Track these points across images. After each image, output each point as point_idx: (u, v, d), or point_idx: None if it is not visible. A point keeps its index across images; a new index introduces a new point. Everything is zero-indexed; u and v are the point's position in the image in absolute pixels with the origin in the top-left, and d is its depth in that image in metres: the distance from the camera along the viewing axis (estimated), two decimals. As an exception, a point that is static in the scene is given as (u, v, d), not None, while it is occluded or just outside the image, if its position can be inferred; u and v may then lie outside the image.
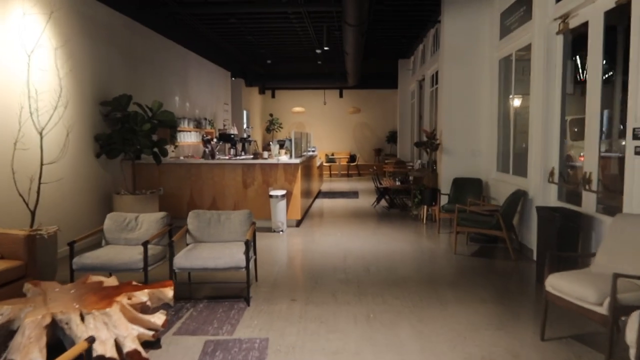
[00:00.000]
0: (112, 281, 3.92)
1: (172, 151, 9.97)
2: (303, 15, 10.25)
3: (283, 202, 7.98)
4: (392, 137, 20.16)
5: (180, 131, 10.51)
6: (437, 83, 11.37)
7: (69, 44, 6.79)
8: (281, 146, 9.59)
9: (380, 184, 11.09)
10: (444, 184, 8.63)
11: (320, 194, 13.13)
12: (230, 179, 8.42)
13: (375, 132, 20.80)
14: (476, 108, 8.49)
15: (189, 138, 10.90)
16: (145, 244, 4.52)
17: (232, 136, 13.70)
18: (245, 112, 18.01)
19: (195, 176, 8.48)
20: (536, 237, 5.59)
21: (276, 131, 20.32)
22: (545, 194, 6.03)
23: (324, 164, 18.87)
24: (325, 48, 10.58)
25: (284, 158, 8.32)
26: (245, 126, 17.22)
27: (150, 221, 5.11)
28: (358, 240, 7.41)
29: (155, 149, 7.75)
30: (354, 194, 13.22)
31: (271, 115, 20.54)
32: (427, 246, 7.02)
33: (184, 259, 4.52)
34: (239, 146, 13.01)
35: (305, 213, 9.69)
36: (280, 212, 7.95)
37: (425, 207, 8.74)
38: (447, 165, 8.62)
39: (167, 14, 9.85)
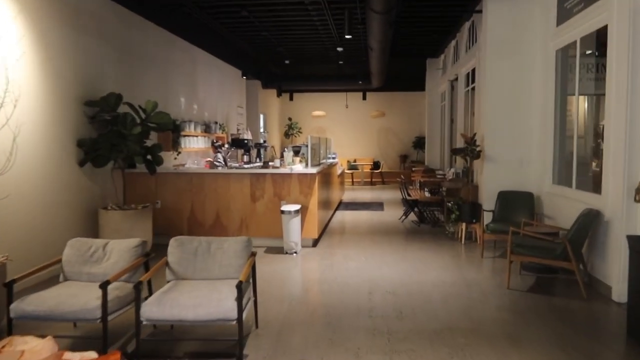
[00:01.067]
0: (43, 347, 2.78)
1: (175, 158, 8.90)
2: (322, 5, 9.09)
3: (297, 219, 6.81)
4: (419, 143, 18.85)
5: (185, 136, 9.43)
6: (473, 82, 10.08)
7: (42, 32, 5.75)
8: (296, 153, 8.43)
9: (409, 195, 9.83)
10: (486, 197, 7.34)
11: (342, 205, 11.92)
12: (237, 191, 7.28)
13: (400, 138, 19.52)
14: (525, 108, 7.19)
15: (195, 144, 9.83)
16: (104, 285, 3.38)
17: (246, 141, 12.62)
18: (261, 116, 16.95)
19: (197, 187, 7.37)
20: (626, 273, 4.29)
21: (295, 136, 19.20)
22: (629, 217, 4.71)
23: (346, 171, 17.68)
24: (348, 36, 9.37)
25: (299, 167, 7.15)
26: (261, 130, 16.14)
27: (121, 250, 3.98)
28: (386, 267, 6.17)
29: (149, 156, 6.66)
30: (378, 206, 11.97)
31: (290, 119, 19.44)
32: (471, 277, 5.74)
33: (155, 306, 3.36)
34: (254, 152, 11.94)
35: (324, 230, 8.49)
36: (293, 231, 6.78)
37: (464, 224, 7.45)
38: (490, 176, 7.33)
39: (170, 5, 8.81)
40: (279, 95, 19.14)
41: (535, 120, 7.13)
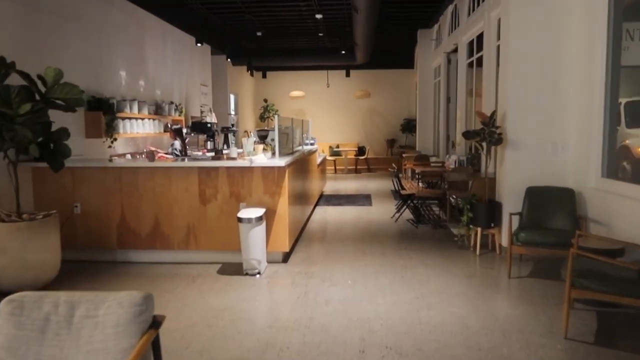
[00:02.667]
0: None
1: (110, 147, 7.03)
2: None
3: (260, 228, 5.04)
4: (408, 126, 17.15)
5: (126, 118, 7.55)
6: (479, 51, 8.36)
7: None
8: (263, 139, 6.63)
9: (402, 188, 8.12)
10: (508, 194, 5.65)
11: (322, 199, 10.17)
12: (181, 190, 5.48)
13: (387, 120, 17.78)
14: (561, 76, 5.48)
15: (140, 128, 7.95)
16: None
17: (209, 125, 10.77)
18: (232, 97, 15.05)
19: (129, 186, 5.54)
20: None
21: (272, 119, 17.33)
22: None
23: (328, 158, 15.92)
24: None
25: (261, 158, 5.35)
26: (231, 112, 14.25)
27: (108, 320, 2.15)
28: (381, 296, 4.45)
29: (51, 145, 4.81)
30: (365, 199, 10.25)
31: (265, 100, 17.55)
32: (504, 315, 4.05)
33: None
34: (219, 138, 10.11)
35: (299, 236, 6.74)
36: (255, 244, 5.02)
37: (479, 229, 5.77)
38: (514, 167, 5.63)
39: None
40: (251, 73, 17.21)
41: (573, 92, 5.43)
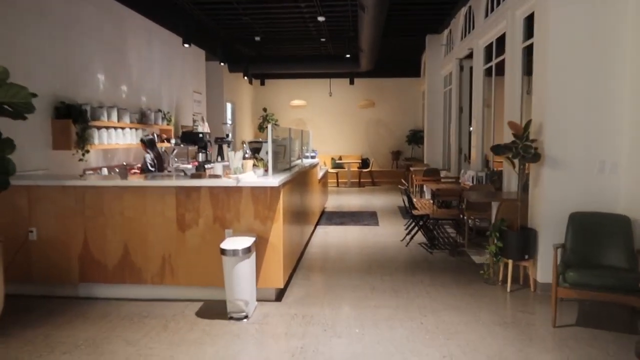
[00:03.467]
0: None
1: (81, 160, 6.14)
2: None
3: (248, 262, 4.14)
4: (415, 137, 16.28)
5: (102, 127, 6.67)
6: (499, 54, 7.50)
7: None
8: (256, 152, 5.73)
9: (414, 207, 7.21)
10: (545, 221, 4.75)
11: (324, 217, 9.27)
12: (156, 214, 4.58)
13: (392, 131, 16.91)
14: (610, 83, 4.60)
15: (120, 139, 7.07)
16: None
17: (201, 135, 9.91)
18: (229, 106, 14.21)
19: (94, 209, 4.65)
20: None
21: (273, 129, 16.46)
22: None
23: (330, 170, 15.04)
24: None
25: (250, 177, 4.46)
26: (227, 122, 13.38)
27: None
28: (400, 356, 3.54)
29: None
30: (370, 217, 9.34)
31: (264, 110, 16.70)
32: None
33: None
34: (213, 150, 9.27)
35: (296, 265, 5.83)
36: (241, 282, 4.11)
37: (510, 262, 4.85)
38: (553, 188, 4.73)
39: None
40: (250, 81, 16.39)
41: (628, 101, 4.55)
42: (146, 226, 4.59)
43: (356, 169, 15.44)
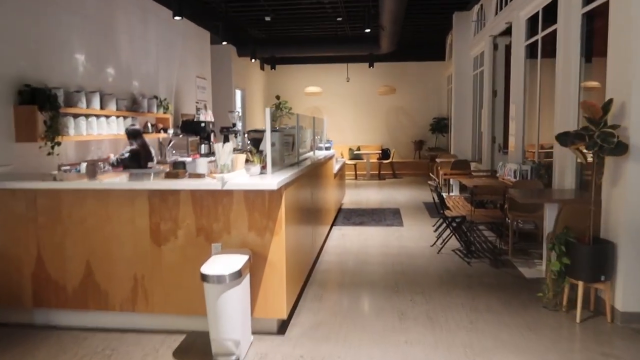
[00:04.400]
0: None
1: (50, 154, 5.19)
2: None
3: (239, 290, 3.13)
4: (438, 126, 15.11)
5: (79, 115, 5.71)
6: (548, 26, 6.33)
7: None
8: (256, 143, 4.69)
9: (446, 207, 6.12)
10: (628, 231, 3.64)
11: (340, 216, 8.23)
12: (125, 224, 3.60)
13: (415, 119, 15.74)
14: None
15: (105, 128, 6.11)
16: None
17: (203, 125, 8.93)
18: (238, 93, 13.20)
19: (49, 216, 3.68)
20: None
21: (287, 117, 15.44)
22: None
23: (347, 162, 13.97)
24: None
25: (240, 176, 3.43)
26: (235, 110, 12.38)
27: None
28: None
29: None
30: (393, 215, 8.28)
31: (278, 97, 15.67)
32: None
33: None
34: (217, 140, 8.29)
35: (306, 282, 4.80)
36: (229, 316, 3.10)
37: (581, 283, 3.76)
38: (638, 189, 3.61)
39: None
40: (261, 67, 15.36)
41: None
42: (112, 238, 3.61)
43: (376, 160, 14.34)
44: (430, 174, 7.10)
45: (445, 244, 5.98)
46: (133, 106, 7.12)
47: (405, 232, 7.02)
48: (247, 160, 3.53)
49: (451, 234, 5.99)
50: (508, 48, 9.07)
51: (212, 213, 3.49)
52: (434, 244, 6.19)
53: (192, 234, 3.53)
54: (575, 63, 5.21)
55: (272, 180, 3.33)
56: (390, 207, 9.25)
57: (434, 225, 7.30)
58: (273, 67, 14.18)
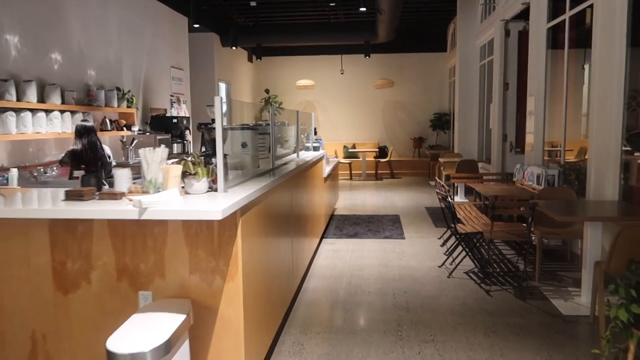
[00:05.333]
0: None
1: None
2: None
3: (169, 369, 2.08)
4: (439, 122, 14.07)
5: (8, 109, 4.62)
6: (575, 5, 5.29)
7: None
8: (206, 151, 3.61)
9: (458, 220, 5.07)
10: None
11: (332, 224, 7.19)
12: (18, 264, 2.53)
13: (414, 115, 14.69)
14: None
15: (45, 126, 5.03)
16: None
17: (175, 121, 7.98)
18: (223, 86, 12.12)
19: None
20: None
21: (275, 114, 14.34)
22: None
23: (341, 160, 12.93)
24: None
25: (169, 199, 2.35)
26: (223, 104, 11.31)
27: None
28: None
29: None
30: (393, 224, 7.24)
31: (267, 91, 14.58)
32: None
33: None
34: (192, 137, 7.36)
35: (284, 321, 3.74)
36: (153, 412, 2.05)
37: (655, 341, 2.73)
38: None
39: None
40: (249, 58, 14.26)
41: None
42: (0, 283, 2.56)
43: (372, 159, 13.30)
44: (437, 179, 6.07)
45: (457, 267, 4.93)
46: (87, 99, 6.03)
47: (407, 247, 5.98)
48: (186, 173, 2.46)
49: (463, 251, 4.95)
50: (522, 34, 8.05)
51: (139, 249, 2.43)
52: (443, 264, 5.15)
53: (111, 278, 2.47)
54: (620, 47, 4.18)
55: (217, 204, 2.26)
56: (388, 213, 8.21)
57: (440, 238, 6.27)
58: (259, 58, 13.11)
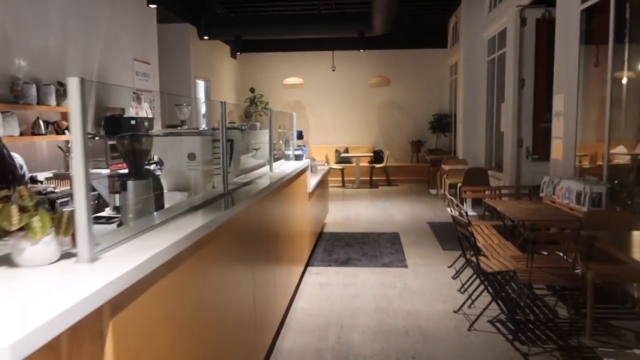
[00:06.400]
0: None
1: None
2: None
3: None
4: (440, 124, 12.94)
5: None
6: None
7: None
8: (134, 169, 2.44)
9: (478, 251, 3.90)
10: None
11: (320, 246, 6.01)
12: None
13: (412, 116, 13.54)
14: None
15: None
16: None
17: (134, 123, 6.55)
18: (201, 84, 10.93)
19: None
20: None
21: (260, 115, 13.19)
22: None
23: (333, 166, 11.79)
24: None
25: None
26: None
27: None
28: None
29: None
30: (392, 245, 6.09)
31: (252, 90, 13.39)
32: None
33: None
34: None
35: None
36: None
37: None
38: None
39: None
40: (232, 54, 13.07)
41: None
42: None
43: (367, 164, 12.14)
44: (451, 197, 4.93)
45: (480, 315, 3.76)
46: (12, 95, 4.82)
47: (411, 279, 4.81)
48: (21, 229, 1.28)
49: (484, 289, 3.79)
50: (541, 22, 6.94)
51: None
52: (460, 308, 3.99)
53: None
54: None
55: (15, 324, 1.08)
56: (386, 229, 7.06)
57: (450, 267, 5.11)
58: (237, 50, 11.91)
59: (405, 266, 5.28)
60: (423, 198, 9.89)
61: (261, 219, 3.09)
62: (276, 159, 4.51)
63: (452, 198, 4.60)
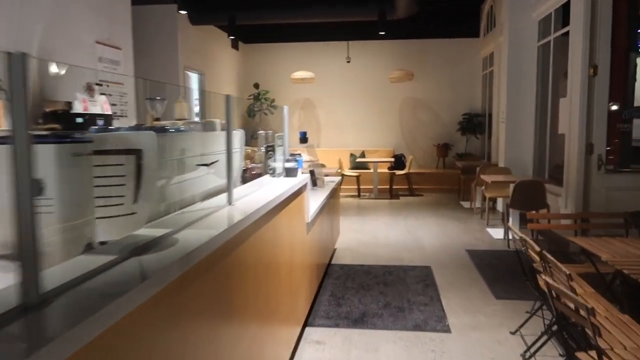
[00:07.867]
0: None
1: None
2: None
3: None
4: (470, 125, 11.24)
5: None
6: None
7: None
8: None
9: (601, 352, 2.25)
10: None
11: (327, 288, 4.39)
12: None
13: (438, 115, 11.85)
14: None
15: None
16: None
17: (81, 120, 5.18)
18: (194, 77, 9.40)
19: None
20: None
21: (265, 114, 11.60)
22: None
23: (346, 173, 10.21)
24: None
25: None
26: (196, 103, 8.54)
27: None
28: None
29: None
30: (423, 288, 4.44)
31: (256, 86, 11.81)
32: None
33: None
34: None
35: None
36: None
37: None
38: None
39: None
40: (234, 45, 11.52)
41: None
42: None
43: (386, 171, 10.48)
44: (509, 226, 3.26)
45: None
46: None
47: (459, 358, 3.17)
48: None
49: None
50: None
51: None
52: None
53: None
54: None
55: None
56: (414, 262, 5.42)
57: (514, 333, 3.46)
58: (233, 35, 10.34)
59: (447, 330, 3.63)
60: (455, 213, 8.22)
61: (229, 272, 1.50)
62: (253, 177, 2.91)
63: (516, 232, 2.93)
